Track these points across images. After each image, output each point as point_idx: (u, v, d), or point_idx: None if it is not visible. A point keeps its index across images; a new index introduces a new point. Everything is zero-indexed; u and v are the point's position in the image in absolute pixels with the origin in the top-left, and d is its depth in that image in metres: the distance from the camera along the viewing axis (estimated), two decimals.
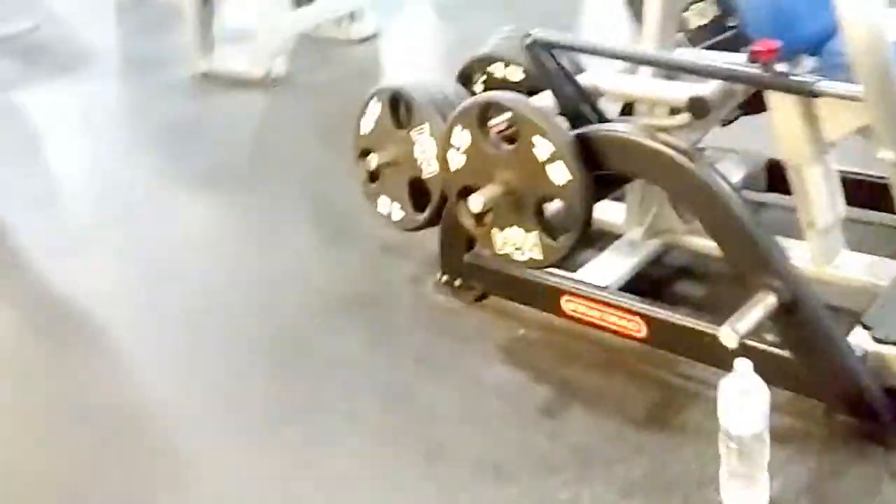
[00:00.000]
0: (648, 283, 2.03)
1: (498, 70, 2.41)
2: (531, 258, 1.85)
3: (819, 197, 1.79)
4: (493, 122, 1.82)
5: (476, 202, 1.78)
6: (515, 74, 2.39)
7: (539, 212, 1.81)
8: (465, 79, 2.47)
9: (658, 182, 1.74)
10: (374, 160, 2.22)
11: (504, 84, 2.40)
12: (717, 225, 1.61)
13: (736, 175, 2.30)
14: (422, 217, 2.20)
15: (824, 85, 1.44)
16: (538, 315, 2.01)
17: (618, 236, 2.15)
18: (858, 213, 2.00)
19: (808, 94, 1.45)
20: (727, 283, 1.89)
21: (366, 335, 2.10)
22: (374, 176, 2.27)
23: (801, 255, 1.81)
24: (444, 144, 1.92)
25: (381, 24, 4.62)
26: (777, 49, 1.45)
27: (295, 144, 3.40)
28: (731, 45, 2.16)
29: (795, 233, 1.88)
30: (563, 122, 1.86)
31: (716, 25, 2.39)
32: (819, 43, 1.70)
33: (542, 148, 1.73)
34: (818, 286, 1.71)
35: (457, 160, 1.90)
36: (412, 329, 2.09)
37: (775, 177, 2.31)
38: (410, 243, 2.37)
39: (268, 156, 3.34)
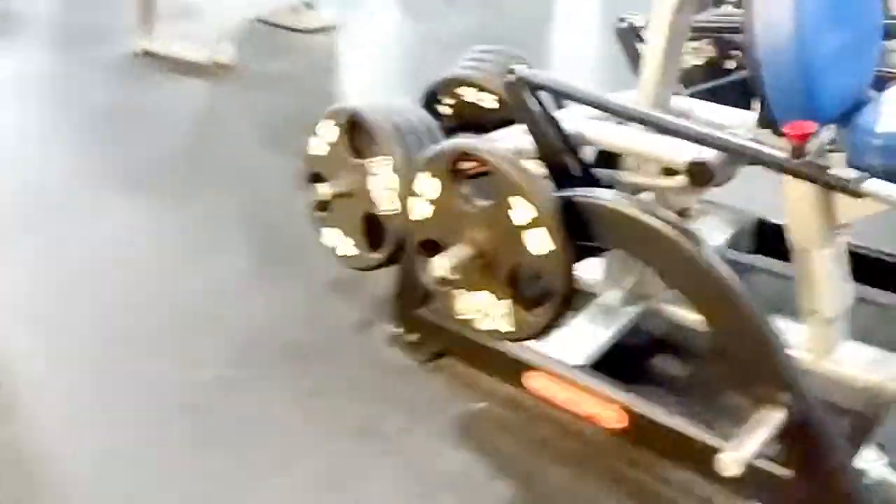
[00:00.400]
0: (625, 356, 1.82)
1: (469, 94, 2.19)
2: (497, 329, 1.62)
3: (826, 284, 1.59)
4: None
5: (440, 265, 1.54)
6: (488, 102, 2.16)
7: (512, 279, 1.58)
8: (432, 99, 2.24)
9: (656, 267, 1.52)
10: (324, 188, 1.96)
11: (475, 111, 2.17)
12: (723, 325, 1.40)
13: (723, 234, 2.11)
14: (375, 257, 1.95)
15: (873, 187, 1.22)
16: (501, 385, 1.79)
17: (592, 294, 1.93)
18: (873, 293, 1.83)
19: (851, 193, 1.24)
20: (713, 361, 1.69)
21: (303, 394, 1.84)
22: (323, 204, 2.01)
23: (796, 340, 1.62)
24: (409, 190, 1.67)
25: (340, 14, 4.33)
26: (811, 133, 1.23)
27: (240, 145, 3.11)
28: (731, 93, 1.97)
29: (787, 306, 1.68)
30: (546, 179, 1.63)
31: (711, 67, 2.20)
32: (842, 110, 1.49)
33: (521, 211, 1.50)
34: (816, 381, 1.53)
35: (421, 209, 1.66)
36: (357, 391, 1.84)
37: (764, 237, 2.14)
38: (361, 281, 2.11)
39: (208, 157, 3.04)
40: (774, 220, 2.07)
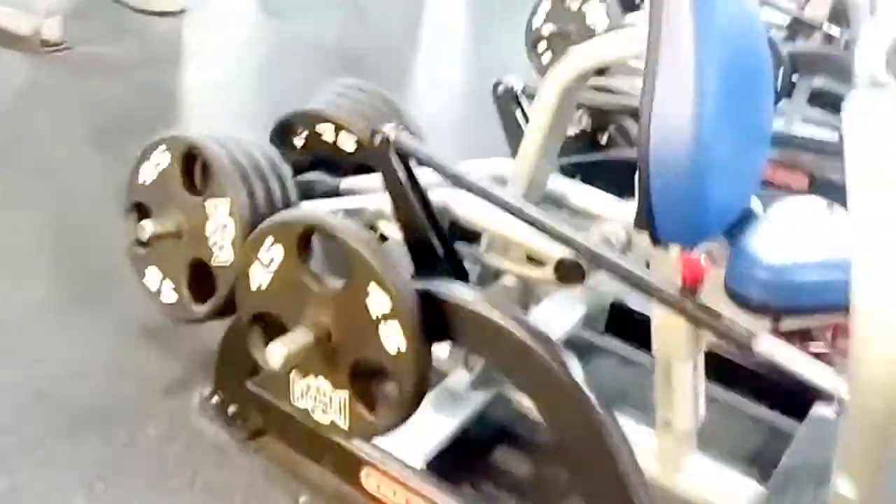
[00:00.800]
0: (471, 448, 1.67)
1: (327, 132, 1.99)
2: (334, 423, 1.43)
3: (684, 396, 1.51)
4: None
5: (276, 354, 1.33)
6: (347, 143, 1.96)
7: (356, 371, 1.39)
8: (286, 130, 2.01)
9: (518, 382, 1.38)
10: (150, 223, 1.69)
11: (331, 151, 1.97)
12: (586, 456, 1.27)
13: (576, 313, 2.02)
14: (200, 310, 1.70)
15: (766, 346, 1.12)
16: (330, 477, 1.59)
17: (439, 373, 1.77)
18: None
19: (744, 350, 1.14)
20: (560, 459, 1.58)
21: (91, 474, 1.54)
22: (146, 240, 1.74)
23: (645, 446, 1.53)
24: (249, 253, 1.45)
25: None
26: (703, 278, 1.13)
27: (55, 142, 2.73)
28: (601, 172, 1.88)
29: (635, 394, 1.61)
30: (404, 260, 1.46)
31: (583, 140, 2.11)
32: (728, 222, 1.39)
33: (375, 301, 1.31)
34: (662, 496, 1.45)
35: (261, 278, 1.44)
36: (159, 472, 1.57)
37: (616, 318, 2.07)
38: (181, 329, 1.84)
39: (14, 152, 2.63)
40: (629, 304, 2.02)
